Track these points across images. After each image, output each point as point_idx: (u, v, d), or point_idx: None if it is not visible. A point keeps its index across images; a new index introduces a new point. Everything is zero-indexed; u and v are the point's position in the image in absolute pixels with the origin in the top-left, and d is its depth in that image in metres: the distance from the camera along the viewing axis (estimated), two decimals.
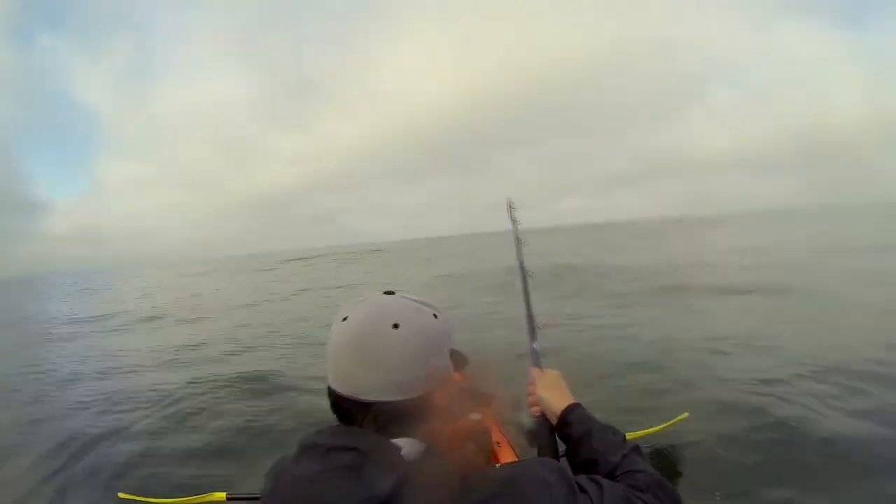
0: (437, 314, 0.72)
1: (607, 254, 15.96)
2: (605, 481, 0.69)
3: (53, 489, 2.66)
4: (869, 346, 3.74)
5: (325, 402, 0.70)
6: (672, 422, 2.38)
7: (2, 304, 21.40)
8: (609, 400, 3.05)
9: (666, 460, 2.34)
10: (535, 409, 1.05)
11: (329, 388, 0.69)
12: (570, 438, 0.93)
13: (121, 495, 2.02)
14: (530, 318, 1.34)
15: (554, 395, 1.01)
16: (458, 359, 0.74)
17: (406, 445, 0.64)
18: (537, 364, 1.17)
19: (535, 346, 1.25)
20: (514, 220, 1.62)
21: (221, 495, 1.76)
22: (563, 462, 0.92)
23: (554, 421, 0.99)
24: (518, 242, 1.55)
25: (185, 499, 1.85)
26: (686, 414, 2.42)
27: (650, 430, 2.30)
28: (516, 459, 1.81)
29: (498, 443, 2.01)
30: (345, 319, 0.69)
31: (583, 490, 0.65)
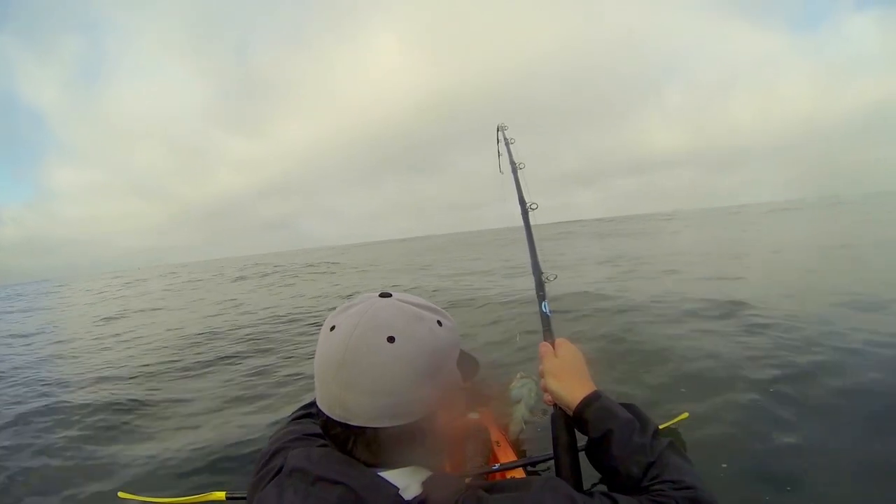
0: (442, 320, 0.61)
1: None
2: (622, 500, 0.62)
3: (54, 489, 2.66)
4: (874, 335, 3.73)
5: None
6: (672, 422, 2.37)
7: None
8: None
9: None
10: (548, 397, 0.87)
11: (315, 405, 0.60)
12: (588, 437, 0.78)
13: (120, 495, 2.01)
14: (536, 267, 1.07)
15: (566, 385, 0.82)
16: (468, 366, 0.65)
17: (404, 480, 0.56)
18: (548, 333, 0.95)
19: (544, 307, 1.00)
20: (506, 142, 1.34)
21: (221, 495, 1.76)
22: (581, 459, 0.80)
23: (570, 412, 0.82)
24: (514, 168, 1.27)
25: (184, 498, 1.85)
26: (686, 414, 2.42)
27: None
28: (515, 459, 1.81)
29: (497, 442, 2.01)
30: (332, 329, 0.59)
31: None
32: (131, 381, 4.79)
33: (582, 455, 0.82)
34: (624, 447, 0.70)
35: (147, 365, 5.35)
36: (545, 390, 0.86)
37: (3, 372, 5.70)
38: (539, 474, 1.60)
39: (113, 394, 4.30)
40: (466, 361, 0.65)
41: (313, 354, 0.61)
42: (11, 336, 9.34)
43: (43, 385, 4.85)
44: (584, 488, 0.78)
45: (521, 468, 1.64)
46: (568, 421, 0.83)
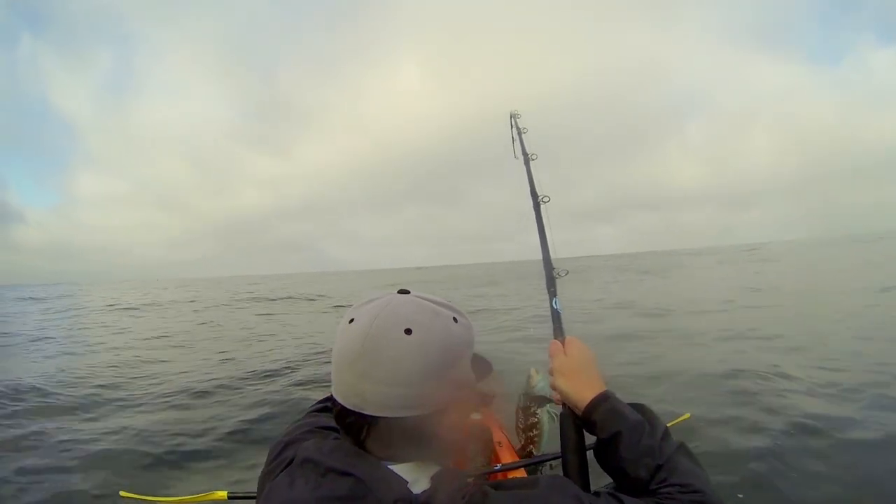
0: (458, 318, 0.62)
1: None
2: (628, 502, 0.61)
3: (55, 488, 2.66)
4: (874, 344, 3.73)
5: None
6: (673, 423, 2.36)
7: None
8: None
9: None
10: (557, 396, 0.85)
11: (332, 398, 0.62)
12: (596, 438, 0.76)
13: (122, 494, 2.01)
14: (547, 262, 1.05)
15: (575, 385, 0.80)
16: (481, 366, 0.65)
17: (413, 474, 0.57)
18: (559, 331, 0.93)
19: (555, 303, 0.98)
20: (519, 131, 1.29)
21: (223, 494, 1.75)
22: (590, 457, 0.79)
23: (578, 412, 0.80)
24: (526, 158, 1.23)
25: (186, 497, 1.85)
26: (688, 415, 2.41)
27: None
28: (517, 459, 1.80)
29: (499, 442, 2.00)
30: (351, 322, 0.60)
31: None
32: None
33: (590, 454, 0.81)
34: (632, 449, 0.69)
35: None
36: (554, 389, 0.84)
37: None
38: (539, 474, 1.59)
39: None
40: (480, 362, 0.65)
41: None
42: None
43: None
44: (593, 488, 0.77)
45: (522, 468, 1.64)
46: (577, 421, 0.82)
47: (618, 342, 5.14)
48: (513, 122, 1.32)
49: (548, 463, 1.64)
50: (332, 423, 0.64)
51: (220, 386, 4.41)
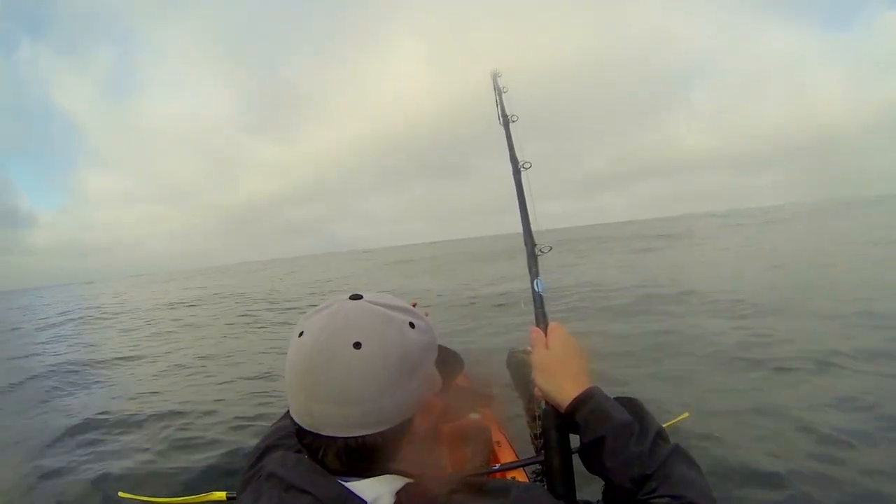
0: (415, 322, 0.57)
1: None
2: None
3: (54, 489, 2.66)
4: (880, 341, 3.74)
5: None
6: (672, 422, 2.36)
7: None
8: None
9: None
10: (538, 392, 0.77)
11: (290, 416, 0.57)
12: (580, 441, 0.69)
13: (121, 495, 2.01)
14: (528, 237, 0.95)
15: (555, 382, 0.73)
16: (450, 364, 0.61)
17: (377, 490, 0.53)
18: (541, 316, 0.84)
19: (537, 285, 0.88)
20: (499, 91, 1.17)
21: (221, 495, 1.75)
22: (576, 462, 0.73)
23: (561, 411, 0.73)
24: (506, 120, 1.12)
25: (185, 498, 1.85)
26: (686, 414, 2.41)
27: None
28: (516, 459, 1.80)
29: (498, 442, 2.00)
30: (301, 335, 0.55)
31: None
32: None
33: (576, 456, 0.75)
34: (617, 456, 0.62)
35: None
36: (534, 385, 0.77)
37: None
38: (529, 478, 1.59)
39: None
40: (448, 360, 0.60)
41: None
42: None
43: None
44: (580, 489, 0.76)
45: (521, 468, 1.63)
46: (559, 420, 0.75)
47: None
48: (495, 84, 1.20)
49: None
50: (276, 470, 0.59)
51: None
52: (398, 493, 0.53)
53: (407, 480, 0.55)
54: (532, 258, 0.92)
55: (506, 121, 1.12)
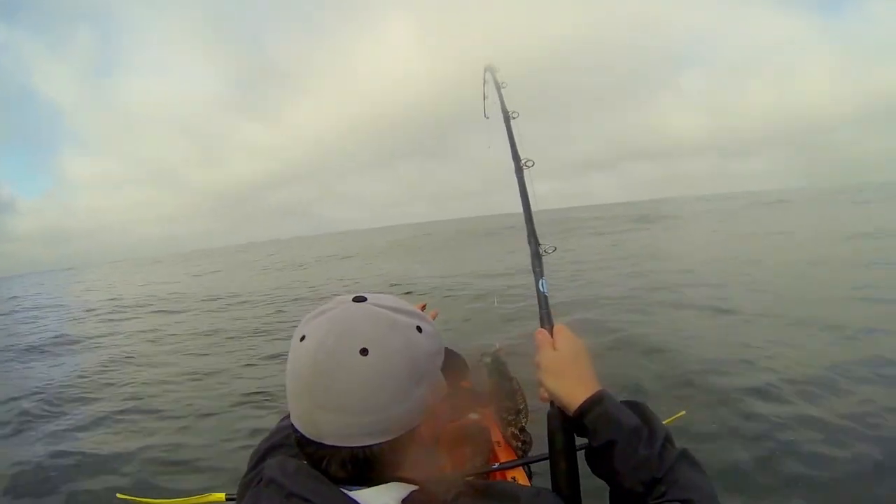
0: (422, 325, 0.55)
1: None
2: None
3: (52, 490, 2.65)
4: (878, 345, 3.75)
5: None
6: (669, 420, 2.37)
7: None
8: None
9: None
10: (544, 393, 0.76)
11: (292, 424, 0.55)
12: (588, 444, 0.70)
13: (119, 496, 2.00)
14: (532, 236, 0.93)
15: (565, 384, 0.72)
16: (455, 368, 0.62)
17: (382, 498, 0.52)
18: (546, 318, 0.83)
19: (542, 285, 0.87)
20: (497, 86, 1.14)
21: (220, 496, 1.75)
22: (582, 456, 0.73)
23: (569, 413, 0.72)
24: (506, 116, 1.09)
25: (183, 499, 1.85)
26: (683, 412, 2.42)
27: None
28: (515, 459, 1.80)
29: (498, 442, 2.00)
30: (302, 339, 0.53)
31: None
32: None
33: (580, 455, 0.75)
34: (627, 461, 0.63)
35: None
36: (541, 386, 0.76)
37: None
38: (532, 479, 1.59)
39: None
40: (454, 363, 0.61)
41: None
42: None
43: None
44: (584, 491, 0.75)
45: (521, 468, 1.63)
46: (565, 422, 0.74)
47: None
48: (486, 78, 1.17)
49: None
50: (275, 476, 0.58)
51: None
52: (404, 501, 0.52)
53: (412, 487, 0.53)
54: (536, 258, 0.90)
55: (506, 117, 1.08)
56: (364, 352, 0.50)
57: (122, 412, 3.85)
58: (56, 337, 7.96)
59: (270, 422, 3.27)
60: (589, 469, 0.69)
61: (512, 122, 1.08)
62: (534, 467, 1.69)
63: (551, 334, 0.78)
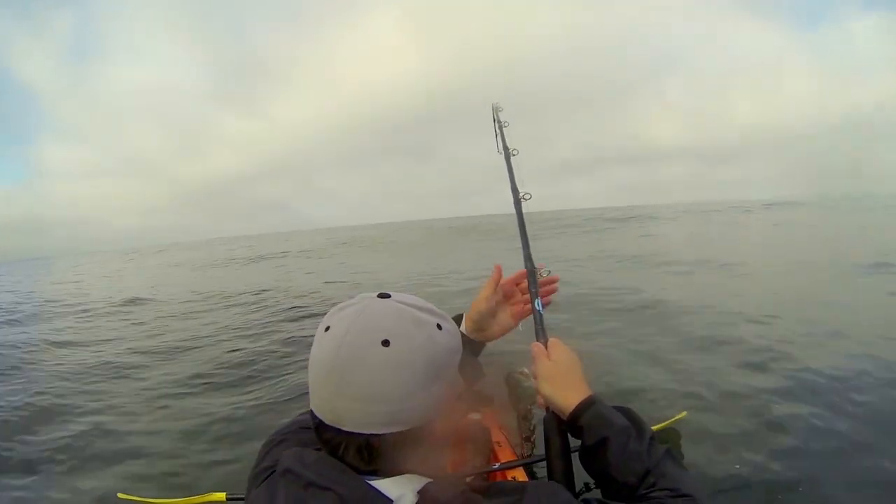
0: (442, 323, 0.58)
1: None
2: None
3: (51, 490, 2.65)
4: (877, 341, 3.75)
5: None
6: (670, 421, 2.37)
7: None
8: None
9: None
10: (541, 400, 0.85)
11: (311, 411, 0.58)
12: (582, 443, 0.76)
13: (120, 496, 2.01)
14: (529, 260, 1.02)
15: (560, 390, 0.80)
16: (471, 369, 0.65)
17: (399, 489, 0.54)
18: (541, 332, 0.92)
19: (537, 304, 0.97)
20: (500, 125, 1.27)
21: (221, 495, 1.76)
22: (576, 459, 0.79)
23: (564, 417, 0.80)
24: (507, 154, 1.21)
25: (184, 499, 1.85)
26: (684, 413, 2.43)
27: None
28: (515, 458, 1.80)
29: (498, 443, 2.00)
30: (327, 330, 0.57)
31: None
32: None
33: (574, 457, 0.82)
34: (620, 454, 0.68)
35: None
36: (538, 393, 0.84)
37: None
38: (535, 477, 1.60)
39: None
40: (469, 366, 0.64)
41: None
42: None
43: None
44: (577, 490, 0.81)
45: (521, 467, 1.64)
46: (561, 425, 0.82)
47: None
48: (495, 116, 1.29)
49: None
50: (293, 466, 0.60)
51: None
52: (420, 492, 0.55)
53: (427, 480, 0.56)
54: (532, 277, 1.00)
55: (507, 154, 1.21)
56: (386, 343, 0.53)
57: (122, 412, 3.85)
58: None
59: (271, 422, 3.28)
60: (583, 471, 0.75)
61: (513, 158, 1.21)
62: (532, 468, 1.70)
63: (546, 347, 0.86)
